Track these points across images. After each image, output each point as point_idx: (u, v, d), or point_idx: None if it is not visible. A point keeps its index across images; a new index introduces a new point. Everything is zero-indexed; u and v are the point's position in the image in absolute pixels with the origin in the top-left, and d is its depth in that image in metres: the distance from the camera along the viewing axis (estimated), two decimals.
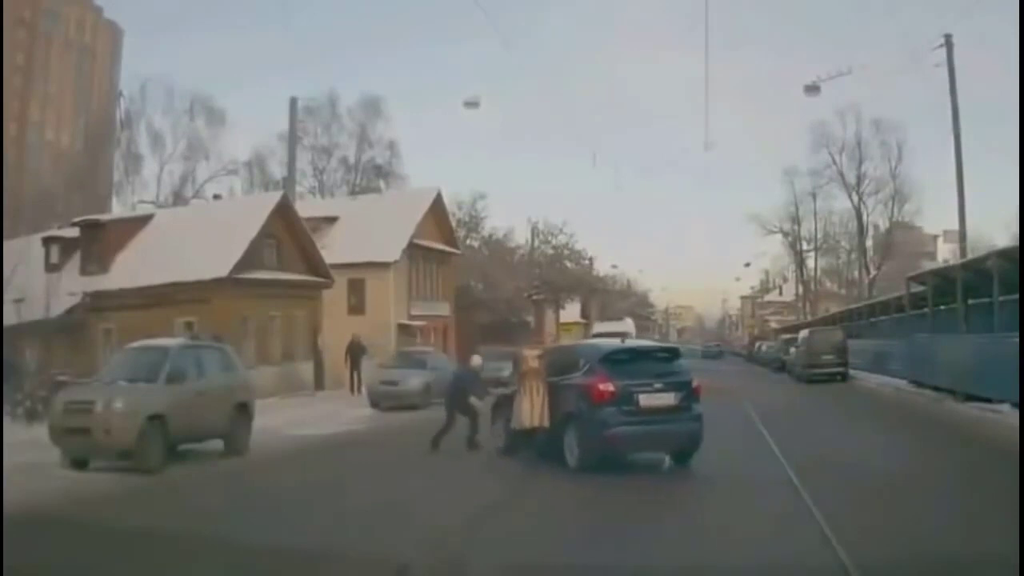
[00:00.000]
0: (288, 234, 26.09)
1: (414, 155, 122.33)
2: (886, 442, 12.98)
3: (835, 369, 27.43)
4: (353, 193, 45.71)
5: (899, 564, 5.86)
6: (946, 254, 46.71)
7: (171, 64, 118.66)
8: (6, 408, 15.39)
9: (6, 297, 20.19)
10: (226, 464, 11.87)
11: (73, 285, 23.83)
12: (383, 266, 31.99)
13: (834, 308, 51.30)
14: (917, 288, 23.27)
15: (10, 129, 63.69)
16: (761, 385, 28.68)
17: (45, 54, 77.69)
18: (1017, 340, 13.44)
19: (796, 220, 60.63)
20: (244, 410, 12.93)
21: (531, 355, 11.20)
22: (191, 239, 23.63)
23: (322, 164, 49.99)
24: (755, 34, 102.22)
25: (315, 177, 49.63)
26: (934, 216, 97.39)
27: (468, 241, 46.04)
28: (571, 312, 57.69)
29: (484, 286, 43.29)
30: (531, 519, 8.03)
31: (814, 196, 57.96)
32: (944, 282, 20.45)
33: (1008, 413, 14.20)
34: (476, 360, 13.59)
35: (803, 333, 32.03)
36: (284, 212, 25.99)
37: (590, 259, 59.06)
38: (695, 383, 10.55)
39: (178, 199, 44.25)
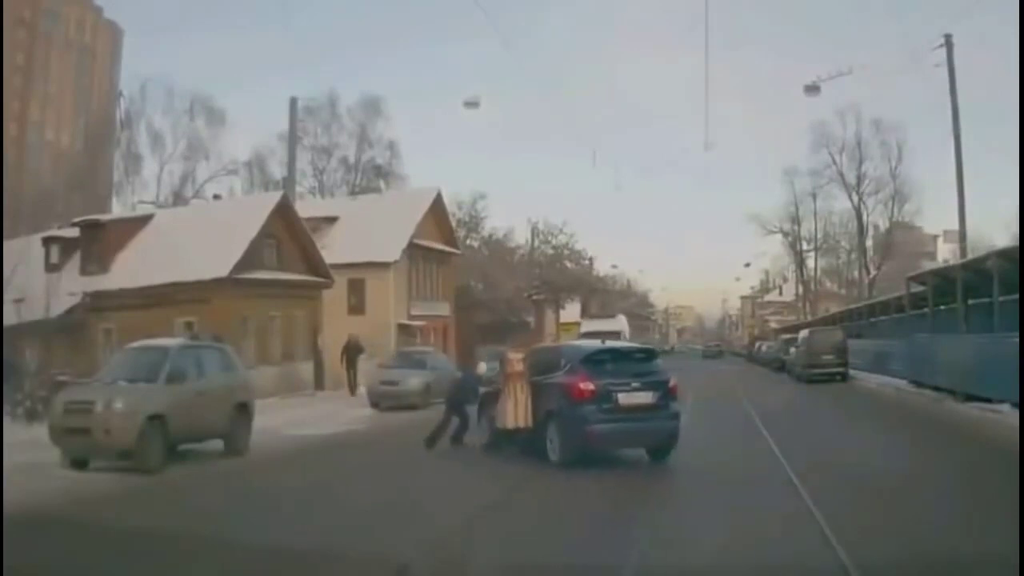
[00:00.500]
0: (288, 234, 26.09)
1: (414, 155, 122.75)
2: (886, 442, 12.99)
3: (835, 369, 27.42)
4: (353, 193, 45.71)
5: (899, 564, 5.85)
6: (946, 254, 46.73)
7: (171, 64, 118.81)
8: (6, 408, 15.37)
9: (6, 297, 20.19)
10: (226, 464, 11.86)
11: (73, 285, 23.82)
12: (383, 266, 32.00)
13: (834, 308, 51.32)
14: (917, 288, 23.27)
15: (10, 129, 63.74)
16: (761, 385, 28.70)
17: (45, 54, 77.75)
18: (1017, 340, 13.44)
19: (796, 220, 60.76)
20: (244, 410, 12.91)
21: (515, 357, 11.49)
22: (191, 239, 23.62)
23: (322, 164, 50.05)
24: (755, 34, 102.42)
25: (315, 177, 49.70)
26: (934, 216, 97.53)
27: (468, 241, 46.05)
28: (571, 312, 57.62)
29: (484, 286, 43.31)
30: (530, 519, 8.03)
31: (814, 196, 58.11)
32: (944, 282, 20.46)
33: (1008, 413, 14.20)
34: (482, 367, 13.93)
35: (803, 333, 32.03)
36: (284, 212, 25.98)
37: (590, 259, 59.13)
38: (672, 383, 10.96)
39: (178, 199, 44.25)
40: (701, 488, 9.47)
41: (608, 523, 7.62)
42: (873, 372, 27.28)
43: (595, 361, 10.85)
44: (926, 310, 22.25)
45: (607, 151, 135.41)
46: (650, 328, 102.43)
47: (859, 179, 55.47)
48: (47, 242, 26.19)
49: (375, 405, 20.52)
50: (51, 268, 25.05)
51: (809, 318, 54.87)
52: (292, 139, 30.66)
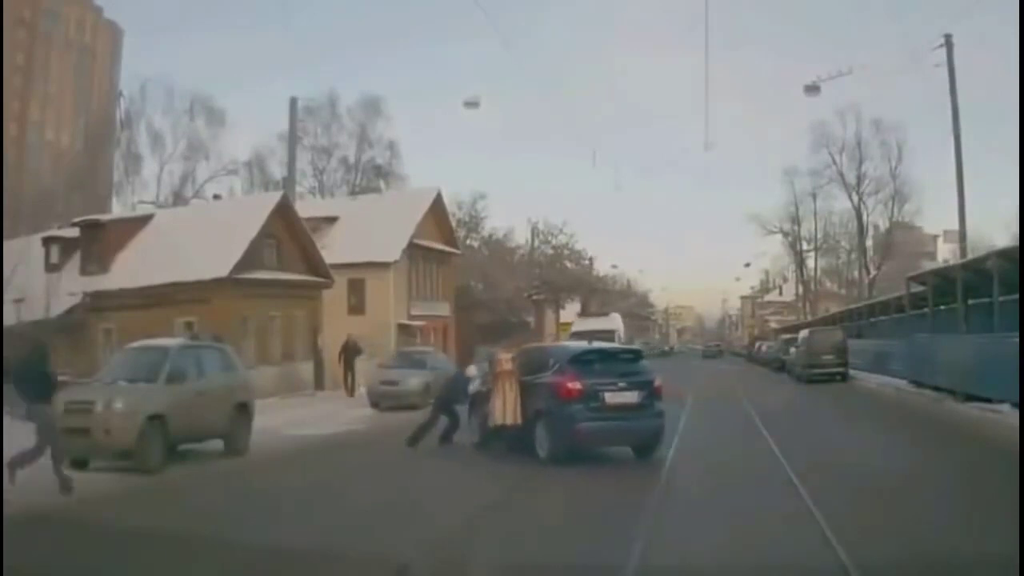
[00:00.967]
0: (288, 234, 26.09)
1: (414, 155, 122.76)
2: (886, 442, 12.99)
3: (835, 369, 27.41)
4: (353, 193, 45.69)
5: (899, 564, 5.85)
6: (946, 254, 46.73)
7: (171, 64, 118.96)
8: (6, 408, 15.36)
9: (6, 297, 20.19)
10: (226, 464, 11.86)
11: (73, 285, 23.83)
12: (383, 266, 31.99)
13: (834, 308, 51.30)
14: (917, 288, 23.27)
15: (10, 129, 63.75)
16: (761, 385, 28.71)
17: (45, 54, 77.75)
18: (1017, 340, 13.43)
19: (796, 220, 60.74)
20: (244, 410, 12.92)
21: (504, 358, 11.82)
22: (191, 239, 23.62)
23: (322, 164, 50.04)
24: (755, 34, 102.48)
25: (315, 177, 49.68)
26: (934, 216, 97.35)
27: (468, 241, 46.06)
28: (571, 312, 57.55)
29: (484, 286, 43.31)
30: (531, 518, 8.03)
31: (814, 196, 58.08)
32: (944, 282, 20.45)
33: (1008, 413, 14.20)
34: (471, 370, 14.11)
35: (803, 333, 32.01)
36: (284, 212, 25.99)
37: (590, 259, 59.12)
38: (657, 382, 11.30)
39: (178, 199, 44.23)
40: (701, 488, 9.46)
41: (608, 523, 7.62)
42: (873, 372, 27.27)
43: (582, 361, 11.19)
44: (926, 310, 22.24)
45: (607, 151, 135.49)
46: (650, 328, 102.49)
47: (859, 179, 55.52)
48: (47, 242, 26.19)
49: (375, 405, 20.51)
50: (51, 268, 25.06)
51: (809, 318, 54.85)
52: (292, 139, 30.67)
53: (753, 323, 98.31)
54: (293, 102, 29.02)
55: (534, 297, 51.00)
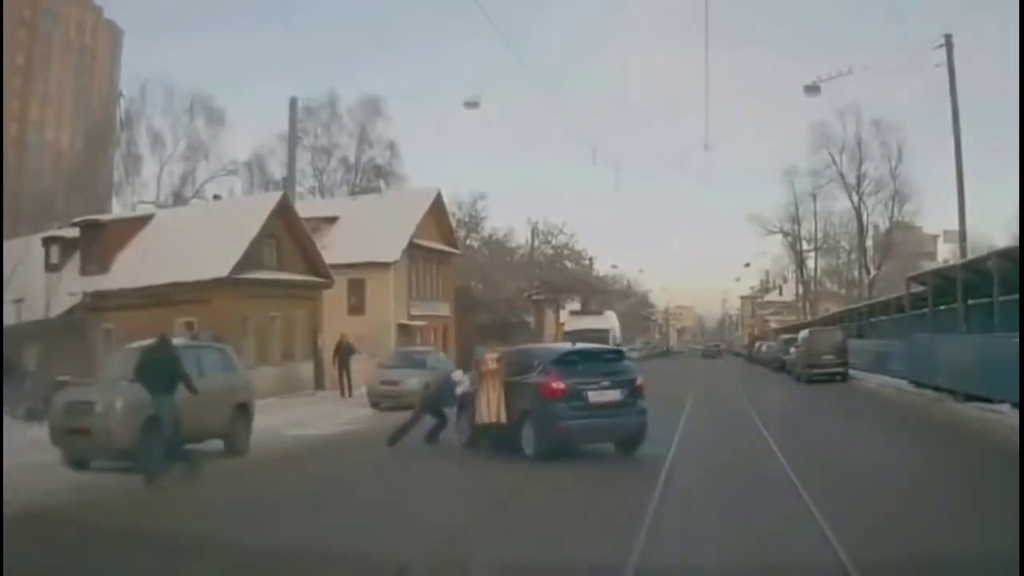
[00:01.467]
0: (288, 234, 26.09)
1: (414, 155, 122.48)
2: (886, 442, 12.99)
3: (835, 369, 27.41)
4: (353, 193, 45.68)
5: (899, 564, 5.85)
6: (946, 254, 46.77)
7: (171, 64, 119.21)
8: (6, 408, 15.38)
9: (6, 297, 20.20)
10: (226, 464, 11.86)
11: (73, 285, 23.83)
12: (383, 266, 31.99)
13: (834, 308, 51.32)
14: (917, 288, 23.27)
15: (10, 129, 63.78)
16: (761, 385, 28.72)
17: (45, 54, 77.77)
18: (1017, 340, 13.44)
19: (796, 220, 60.79)
20: (244, 410, 12.92)
21: (489, 359, 12.17)
22: (191, 239, 23.63)
23: (322, 164, 50.01)
24: (755, 34, 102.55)
25: (315, 177, 49.65)
26: (934, 216, 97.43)
27: (468, 241, 46.06)
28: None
29: (484, 286, 43.29)
30: (532, 518, 8.03)
31: (814, 196, 58.09)
32: (944, 282, 20.45)
33: (1008, 413, 14.19)
34: (458, 374, 14.57)
35: (803, 333, 32.01)
36: (284, 212, 25.99)
37: (590, 259, 59.12)
38: (639, 381, 11.67)
39: (178, 199, 44.22)
40: (701, 487, 9.46)
41: (608, 523, 7.62)
42: (873, 372, 27.28)
43: (566, 362, 11.57)
44: (926, 310, 22.24)
45: (607, 151, 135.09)
46: (650, 328, 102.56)
47: (859, 179, 55.53)
48: (47, 242, 26.20)
49: (375, 405, 20.49)
50: (51, 268, 25.06)
51: (809, 318, 54.86)
52: (292, 139, 30.67)
53: (753, 323, 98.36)
54: (293, 102, 29.04)
55: (534, 297, 51.00)
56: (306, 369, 25.83)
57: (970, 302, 18.59)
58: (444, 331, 36.56)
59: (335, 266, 28.23)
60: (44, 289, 21.83)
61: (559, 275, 53.04)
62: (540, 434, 11.13)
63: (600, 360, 12.02)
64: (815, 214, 59.45)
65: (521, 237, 53.59)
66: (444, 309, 37.33)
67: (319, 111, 48.10)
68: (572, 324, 43.34)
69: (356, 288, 31.79)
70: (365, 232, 32.00)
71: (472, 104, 31.23)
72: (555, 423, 10.98)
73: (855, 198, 55.97)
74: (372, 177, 49.59)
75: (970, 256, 21.45)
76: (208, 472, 10.71)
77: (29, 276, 21.99)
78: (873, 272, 55.95)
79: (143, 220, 27.34)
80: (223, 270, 22.57)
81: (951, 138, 26.15)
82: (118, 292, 23.20)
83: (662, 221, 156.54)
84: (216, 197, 39.85)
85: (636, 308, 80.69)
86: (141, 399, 10.93)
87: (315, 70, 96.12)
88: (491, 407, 11.75)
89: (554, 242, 54.16)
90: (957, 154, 26.00)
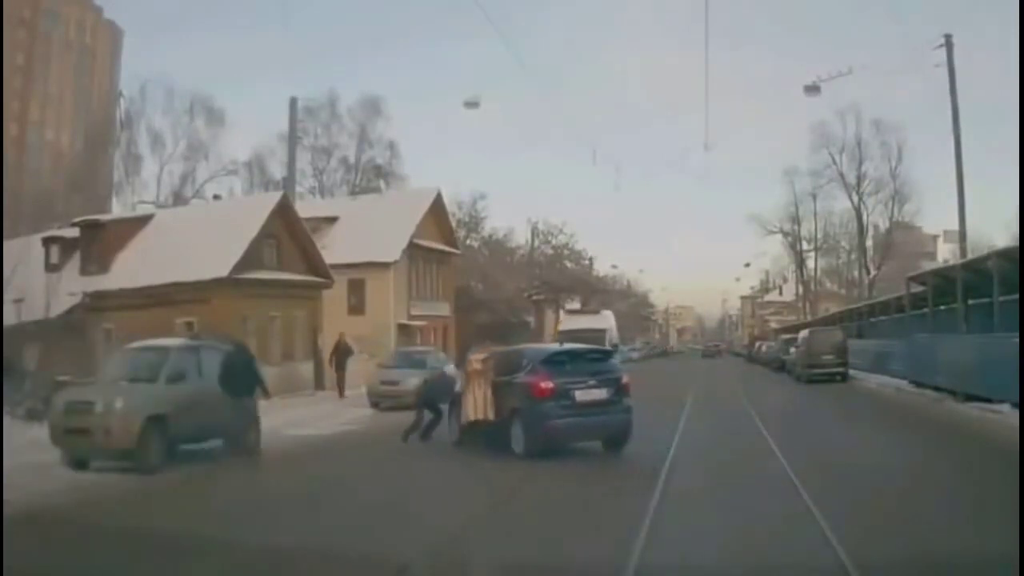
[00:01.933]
0: (288, 234, 26.08)
1: (414, 155, 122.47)
2: (886, 442, 12.98)
3: (835, 369, 27.39)
4: (353, 193, 45.70)
5: (899, 564, 5.85)
6: (946, 254, 46.76)
7: (171, 64, 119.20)
8: (6, 408, 15.38)
9: (6, 297, 20.19)
10: (226, 464, 11.84)
11: (73, 285, 23.82)
12: (383, 266, 32.01)
13: (834, 308, 51.30)
14: (917, 288, 23.26)
15: (10, 129, 63.81)
16: (761, 385, 28.71)
17: (45, 54, 77.77)
18: (1017, 340, 13.44)
19: (796, 220, 60.80)
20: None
21: (476, 359, 12.43)
22: (191, 239, 23.62)
23: (322, 164, 50.04)
24: (755, 34, 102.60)
25: (315, 177, 49.68)
26: (934, 216, 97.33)
27: (468, 241, 46.11)
28: None
29: (484, 286, 43.33)
30: (532, 517, 8.03)
31: (814, 196, 58.09)
32: (944, 282, 20.45)
33: (1008, 413, 14.19)
34: (451, 369, 14.89)
35: (803, 333, 31.98)
36: (284, 212, 25.98)
37: (590, 259, 59.21)
38: (624, 379, 11.92)
39: (178, 199, 44.23)
40: (701, 487, 9.46)
41: (608, 522, 7.62)
42: (873, 372, 27.26)
43: (554, 362, 11.78)
44: (926, 310, 22.24)
45: (607, 151, 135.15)
46: (650, 328, 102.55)
47: (859, 179, 55.52)
48: (47, 242, 26.20)
49: (375, 405, 20.49)
50: (51, 268, 25.06)
51: (809, 318, 54.85)
52: (292, 139, 30.66)
53: (753, 323, 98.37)
54: (293, 102, 29.03)
55: (534, 297, 51.04)
56: (306, 369, 25.81)
57: (970, 302, 18.58)
58: (444, 331, 36.56)
59: (335, 266, 28.23)
60: (44, 289, 21.82)
61: (559, 275, 53.09)
62: (529, 432, 11.30)
63: (587, 360, 12.23)
64: (815, 214, 59.57)
65: (521, 237, 53.73)
66: (444, 309, 37.34)
67: (319, 111, 48.21)
68: (567, 323, 42.50)
69: (356, 288, 31.81)
70: (365, 232, 32.01)
71: (472, 104, 31.25)
72: (544, 422, 11.15)
73: (855, 198, 56.05)
74: (372, 177, 49.62)
75: (970, 256, 21.44)
76: (208, 472, 10.72)
77: (29, 276, 21.98)
78: (873, 272, 55.95)
79: (143, 220, 27.34)
80: (223, 270, 22.57)
81: (951, 138, 26.18)
82: (118, 292, 23.21)
83: (662, 221, 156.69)
84: (216, 197, 39.86)
85: (636, 308, 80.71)
86: (141, 399, 10.95)
87: (315, 70, 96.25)
88: (477, 405, 12.00)
89: (554, 242, 54.27)
90: (957, 154, 26.00)
